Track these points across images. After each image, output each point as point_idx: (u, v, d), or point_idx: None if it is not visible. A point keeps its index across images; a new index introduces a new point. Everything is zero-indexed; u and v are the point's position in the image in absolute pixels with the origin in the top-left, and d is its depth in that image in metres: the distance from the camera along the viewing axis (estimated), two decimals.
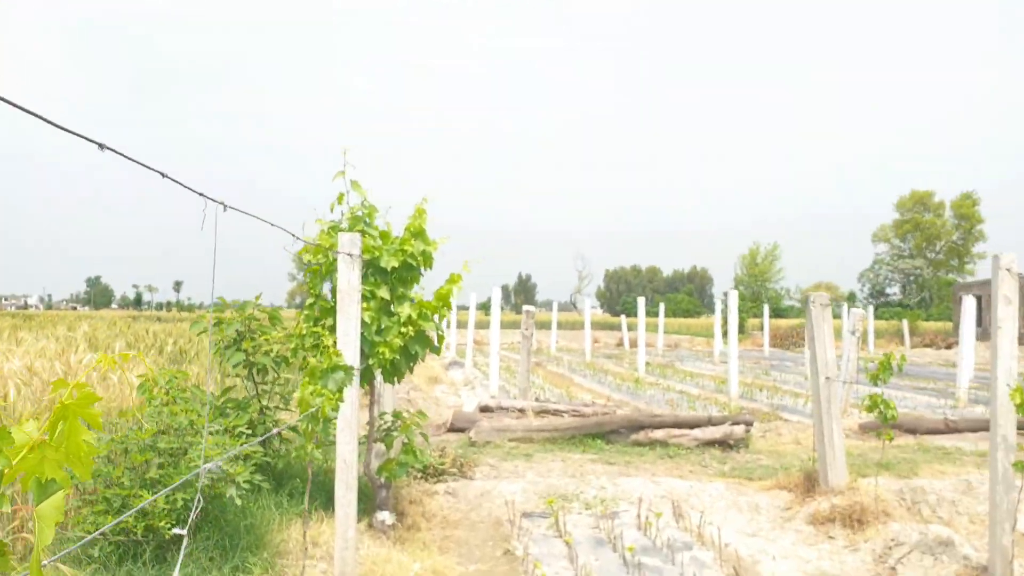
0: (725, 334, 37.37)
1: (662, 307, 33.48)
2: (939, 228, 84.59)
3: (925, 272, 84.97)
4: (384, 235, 5.57)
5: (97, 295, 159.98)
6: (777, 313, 68.26)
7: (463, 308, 30.56)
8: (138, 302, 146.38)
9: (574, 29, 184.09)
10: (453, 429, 10.06)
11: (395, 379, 5.47)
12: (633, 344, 37.42)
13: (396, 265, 5.40)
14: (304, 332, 5.51)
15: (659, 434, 9.67)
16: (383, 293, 5.35)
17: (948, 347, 42.41)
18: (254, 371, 6.39)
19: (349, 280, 4.88)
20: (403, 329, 5.27)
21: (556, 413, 10.24)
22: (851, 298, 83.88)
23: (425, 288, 5.64)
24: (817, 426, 7.41)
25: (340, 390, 3.76)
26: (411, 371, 5.56)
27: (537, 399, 11.38)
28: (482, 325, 34.81)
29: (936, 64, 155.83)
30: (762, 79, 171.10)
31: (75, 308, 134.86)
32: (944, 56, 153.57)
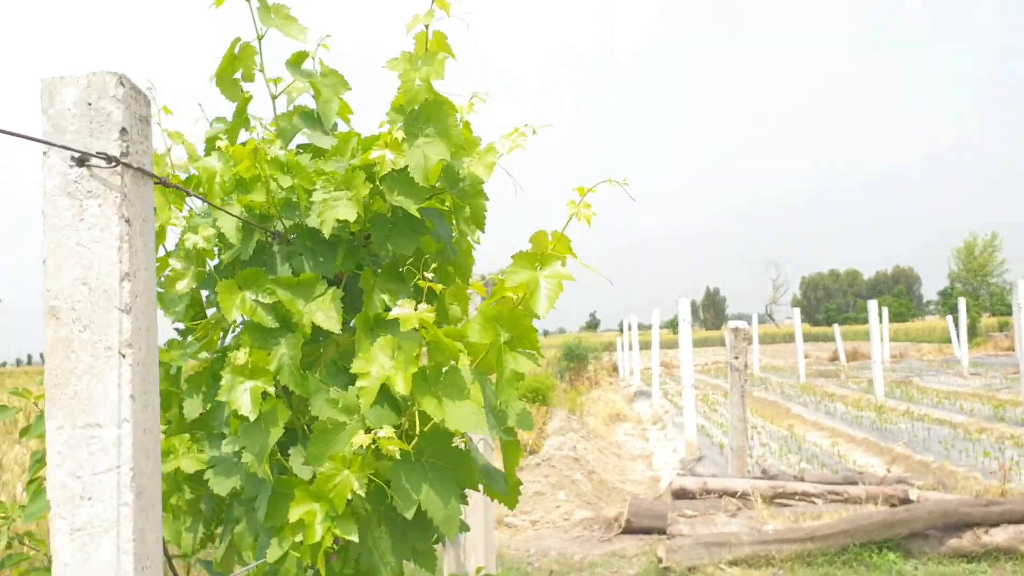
0: (968, 335, 31.38)
1: (885, 312, 27.85)
2: None
3: None
4: (343, 139, 1.85)
5: None
6: (1002, 312, 59.45)
7: (645, 327, 26.38)
8: None
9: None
10: (630, 530, 6.17)
11: None
12: (851, 357, 31.88)
13: (354, 218, 1.65)
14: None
15: (1000, 536, 5.38)
16: (319, 315, 1.61)
17: None
18: None
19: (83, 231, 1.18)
20: (366, 437, 1.48)
21: (804, 497, 6.07)
22: None
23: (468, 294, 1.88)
24: None
25: None
26: None
27: (765, 472, 7.12)
28: (667, 345, 30.40)
29: None
30: (961, 48, 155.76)
31: None
32: None
